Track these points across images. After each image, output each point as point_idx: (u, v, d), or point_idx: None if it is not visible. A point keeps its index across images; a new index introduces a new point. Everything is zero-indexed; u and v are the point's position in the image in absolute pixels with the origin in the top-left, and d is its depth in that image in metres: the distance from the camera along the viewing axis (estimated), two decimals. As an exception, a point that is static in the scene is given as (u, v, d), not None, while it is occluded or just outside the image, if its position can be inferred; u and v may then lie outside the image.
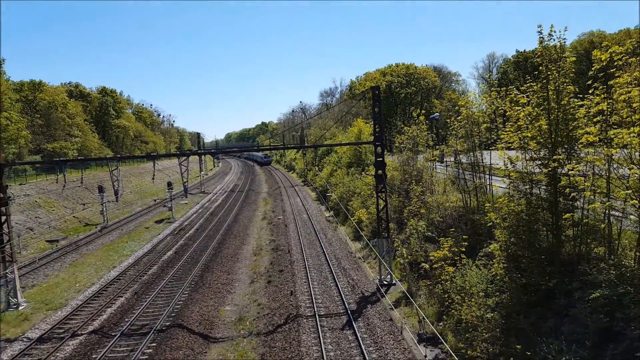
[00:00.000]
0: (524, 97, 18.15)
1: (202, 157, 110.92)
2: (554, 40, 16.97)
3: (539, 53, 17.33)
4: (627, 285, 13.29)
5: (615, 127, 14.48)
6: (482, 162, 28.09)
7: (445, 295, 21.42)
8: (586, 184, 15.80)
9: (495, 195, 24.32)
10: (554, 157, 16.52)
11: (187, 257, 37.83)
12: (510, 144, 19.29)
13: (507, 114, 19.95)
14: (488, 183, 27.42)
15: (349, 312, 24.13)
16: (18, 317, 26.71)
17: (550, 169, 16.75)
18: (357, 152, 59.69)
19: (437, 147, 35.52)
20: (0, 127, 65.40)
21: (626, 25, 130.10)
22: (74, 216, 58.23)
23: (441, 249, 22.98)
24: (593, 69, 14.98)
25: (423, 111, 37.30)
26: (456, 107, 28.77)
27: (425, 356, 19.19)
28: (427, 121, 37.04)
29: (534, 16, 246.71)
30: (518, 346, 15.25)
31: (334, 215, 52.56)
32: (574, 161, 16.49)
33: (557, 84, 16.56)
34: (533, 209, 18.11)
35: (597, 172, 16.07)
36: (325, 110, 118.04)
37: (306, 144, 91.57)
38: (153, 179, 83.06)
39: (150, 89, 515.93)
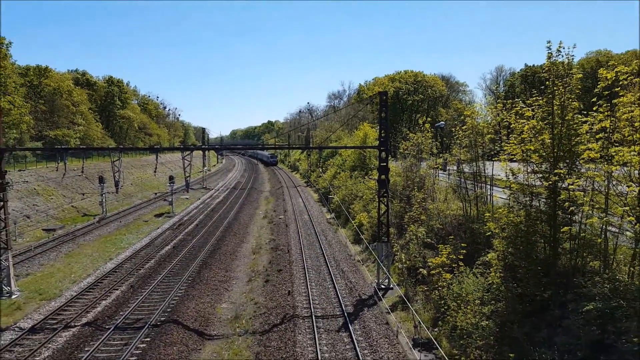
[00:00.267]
0: (529, 110, 18.41)
1: (206, 152, 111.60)
2: (562, 56, 17.27)
3: (546, 68, 17.60)
4: (620, 299, 13.57)
5: (617, 144, 14.77)
6: (484, 173, 28.34)
7: (442, 302, 21.66)
8: (585, 198, 16.13)
9: (495, 206, 24.57)
10: (555, 171, 16.80)
11: (185, 252, 37.98)
12: (512, 156, 19.58)
13: (511, 126, 20.22)
14: (489, 193, 27.66)
15: (346, 314, 24.30)
16: (10, 305, 26.42)
17: (550, 182, 17.04)
18: (361, 156, 59.92)
19: (441, 155, 35.75)
20: (2, 111, 65.06)
21: (633, 46, 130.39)
22: (72, 206, 58.26)
23: (440, 256, 23.20)
24: (598, 86, 15.28)
25: (429, 119, 37.48)
26: (462, 117, 29.03)
27: (419, 361, 19.38)
28: (432, 129, 37.28)
29: (544, 32, 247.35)
30: (511, 355, 15.48)
31: (335, 217, 52.77)
32: (574, 176, 16.76)
33: (562, 99, 16.82)
34: (532, 221, 18.38)
35: (597, 187, 16.35)
36: (332, 113, 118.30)
37: (311, 145, 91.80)
38: (155, 172, 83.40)
39: (157, 82, 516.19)
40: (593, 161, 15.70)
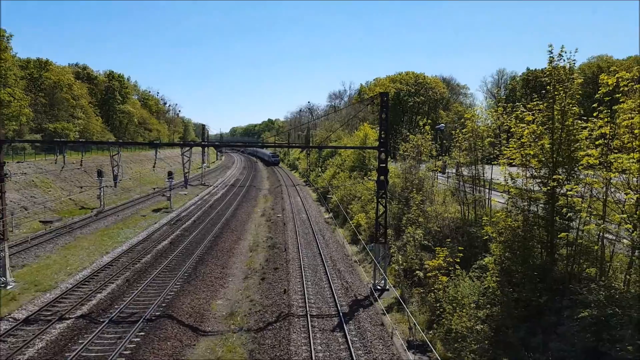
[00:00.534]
0: (529, 114, 18.37)
1: (205, 149, 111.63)
2: (564, 60, 17.21)
3: (547, 72, 17.55)
4: (615, 306, 13.55)
5: (616, 151, 14.72)
6: (483, 176, 28.34)
7: (437, 304, 21.66)
8: (583, 205, 16.11)
9: (493, 210, 24.54)
10: (554, 176, 16.79)
11: (182, 248, 37.94)
12: (512, 160, 19.54)
13: (511, 130, 20.19)
14: (487, 197, 27.66)
15: (341, 314, 24.28)
16: (5, 296, 26.43)
17: (549, 187, 17.06)
18: (361, 157, 59.90)
19: (440, 157, 35.74)
20: (2, 103, 64.95)
21: (634, 52, 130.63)
22: (70, 198, 58.14)
23: (436, 259, 23.21)
24: (599, 92, 15.21)
25: (429, 121, 37.53)
26: (462, 120, 29.04)
27: (413, 363, 19.37)
28: (432, 131, 37.29)
29: (547, 35, 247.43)
30: (505, 359, 15.45)
31: (333, 217, 52.74)
32: (573, 182, 16.72)
33: (563, 104, 16.79)
34: (529, 226, 18.37)
35: (595, 194, 16.31)
36: (333, 112, 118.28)
37: (311, 144, 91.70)
38: (154, 167, 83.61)
39: (158, 78, 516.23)
40: (592, 167, 15.68)
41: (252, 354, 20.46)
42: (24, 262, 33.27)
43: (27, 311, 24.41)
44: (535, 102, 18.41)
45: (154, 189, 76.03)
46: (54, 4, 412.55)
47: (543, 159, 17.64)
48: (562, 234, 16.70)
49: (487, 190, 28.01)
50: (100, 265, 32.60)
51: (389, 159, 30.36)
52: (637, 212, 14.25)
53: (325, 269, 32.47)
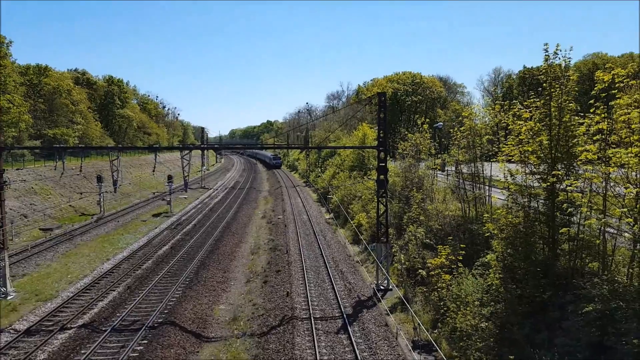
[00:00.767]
0: (527, 112, 18.39)
1: (205, 152, 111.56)
2: (559, 58, 17.28)
3: (543, 70, 17.59)
4: (619, 300, 13.53)
5: (614, 146, 14.74)
6: (483, 173, 28.32)
7: (441, 303, 21.63)
8: (583, 200, 16.11)
9: (494, 207, 24.52)
10: (553, 172, 16.80)
11: (183, 252, 37.89)
12: (510, 157, 19.54)
13: (509, 127, 20.20)
14: (487, 194, 27.63)
15: (345, 315, 24.22)
16: (6, 307, 26.20)
17: (549, 183, 17.05)
18: (360, 156, 59.90)
19: (439, 156, 35.73)
20: (1, 110, 64.80)
21: (630, 49, 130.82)
22: (70, 205, 58.07)
23: (439, 257, 23.18)
24: (595, 89, 15.27)
25: (427, 120, 37.51)
26: (460, 118, 29.04)
27: (418, 363, 19.34)
28: (430, 130, 37.27)
29: (543, 33, 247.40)
30: (511, 357, 15.43)
31: (334, 217, 52.73)
32: (572, 177, 16.76)
33: (559, 101, 16.82)
34: (530, 222, 18.37)
35: (595, 189, 16.32)
36: (331, 113, 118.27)
37: (310, 145, 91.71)
38: (153, 171, 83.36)
39: (157, 81, 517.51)
40: (591, 162, 15.69)
41: (256, 359, 20.39)
42: (24, 272, 33.10)
43: (28, 322, 24.17)
44: (532, 100, 18.44)
45: (154, 193, 76.05)
46: (53, 7, 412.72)
47: (542, 155, 17.67)
48: (564, 229, 16.71)
49: (487, 187, 27.99)
50: (101, 273, 32.49)
51: (388, 158, 30.34)
52: (637, 206, 14.25)
53: (327, 270, 32.42)
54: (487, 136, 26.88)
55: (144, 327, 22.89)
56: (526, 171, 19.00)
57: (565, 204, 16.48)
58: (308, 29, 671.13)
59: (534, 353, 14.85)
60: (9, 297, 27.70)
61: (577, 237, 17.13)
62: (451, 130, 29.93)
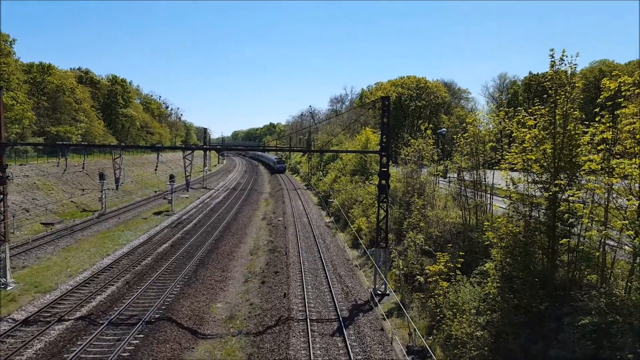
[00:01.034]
0: (531, 119, 18.27)
1: (207, 152, 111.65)
2: (565, 65, 17.10)
3: (549, 77, 17.45)
4: (616, 314, 13.40)
5: (618, 156, 14.61)
6: (485, 181, 28.22)
7: (438, 310, 21.54)
8: (585, 211, 15.95)
9: (494, 215, 24.42)
10: (556, 181, 16.65)
11: (182, 251, 37.92)
12: (513, 165, 19.41)
13: (513, 134, 20.08)
14: (489, 202, 27.54)
15: (341, 318, 24.17)
16: (5, 297, 26.54)
17: (551, 193, 16.90)
18: (362, 161, 59.91)
19: (442, 162, 35.65)
20: (3, 105, 65.05)
21: (635, 56, 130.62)
22: (71, 201, 58.24)
23: (437, 264, 23.08)
24: (601, 97, 15.08)
25: (431, 125, 37.42)
26: (463, 124, 28.97)
27: (412, 369, 19.25)
28: (433, 136, 37.23)
29: (549, 40, 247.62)
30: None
31: (334, 221, 52.68)
32: (574, 187, 16.60)
33: (564, 108, 16.67)
34: (530, 232, 18.23)
35: (597, 200, 16.18)
36: (334, 117, 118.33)
37: (313, 148, 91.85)
38: (155, 170, 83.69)
39: (160, 82, 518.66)
40: (594, 173, 15.55)
41: (251, 358, 20.39)
42: (25, 264, 33.31)
43: (27, 312, 24.45)
44: (536, 107, 18.32)
45: (156, 192, 76.12)
46: (56, 8, 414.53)
47: (545, 164, 17.51)
48: (564, 240, 16.52)
49: (488, 195, 27.90)
50: (101, 267, 32.61)
51: (390, 163, 30.30)
52: (639, 219, 14.13)
53: (325, 273, 32.36)
54: (490, 143, 26.78)
55: (140, 322, 23.01)
56: (528, 180, 18.89)
57: (566, 214, 16.35)
58: (313, 32, 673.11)
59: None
60: (8, 288, 28.00)
61: (576, 249, 16.95)
62: (454, 136, 29.87)
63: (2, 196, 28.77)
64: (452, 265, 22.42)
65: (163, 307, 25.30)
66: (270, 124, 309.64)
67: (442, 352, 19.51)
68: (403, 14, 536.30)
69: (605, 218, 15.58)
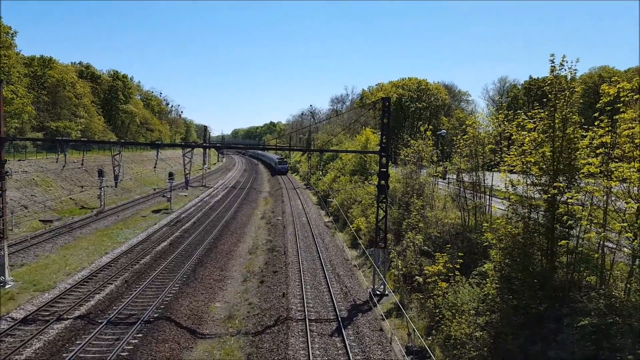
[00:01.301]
0: (530, 122, 18.39)
1: (207, 150, 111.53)
2: (565, 70, 17.23)
3: (549, 81, 17.57)
4: (615, 315, 13.49)
5: (617, 160, 14.73)
6: (484, 183, 28.32)
7: (437, 310, 21.60)
8: (584, 213, 16.08)
9: (493, 216, 24.50)
10: (555, 184, 16.76)
11: (181, 249, 37.92)
12: (512, 167, 19.52)
13: (512, 137, 20.18)
14: (488, 203, 27.63)
15: (340, 318, 24.23)
16: (4, 295, 26.39)
17: (549, 195, 17.01)
18: (362, 161, 59.93)
19: (441, 163, 35.71)
20: (2, 99, 64.77)
21: (635, 63, 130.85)
22: (70, 198, 58.14)
23: (436, 264, 23.14)
24: (600, 102, 15.25)
25: (430, 127, 37.50)
26: (463, 126, 29.06)
27: (411, 369, 19.32)
28: (433, 137, 37.31)
29: (550, 44, 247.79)
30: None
31: (333, 220, 52.72)
32: (573, 190, 16.70)
33: (563, 112, 16.80)
34: (529, 233, 18.31)
35: (595, 202, 16.29)
36: (335, 116, 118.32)
37: (312, 148, 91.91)
38: (155, 167, 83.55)
39: (161, 79, 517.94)
40: (593, 176, 15.67)
41: (249, 358, 20.43)
42: (23, 262, 33.22)
43: (25, 311, 24.35)
44: (536, 110, 18.43)
45: (155, 189, 76.14)
46: (58, 3, 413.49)
47: (544, 166, 17.62)
48: (563, 241, 16.65)
49: (487, 197, 27.99)
50: (99, 266, 32.56)
51: (390, 164, 30.35)
52: (638, 221, 14.22)
53: (324, 273, 32.42)
54: (490, 145, 26.87)
55: (139, 321, 22.98)
56: (527, 182, 18.99)
57: (565, 217, 16.48)
58: (314, 32, 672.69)
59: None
60: (7, 286, 27.87)
61: (575, 250, 17.05)
62: (454, 138, 29.94)
63: (1, 192, 28.62)
64: (451, 265, 22.47)
65: (162, 307, 25.30)
66: (271, 122, 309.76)
67: (441, 352, 19.58)
68: (403, 14, 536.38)
69: (604, 220, 15.67)
